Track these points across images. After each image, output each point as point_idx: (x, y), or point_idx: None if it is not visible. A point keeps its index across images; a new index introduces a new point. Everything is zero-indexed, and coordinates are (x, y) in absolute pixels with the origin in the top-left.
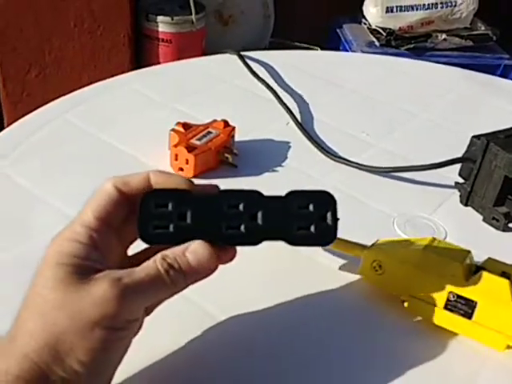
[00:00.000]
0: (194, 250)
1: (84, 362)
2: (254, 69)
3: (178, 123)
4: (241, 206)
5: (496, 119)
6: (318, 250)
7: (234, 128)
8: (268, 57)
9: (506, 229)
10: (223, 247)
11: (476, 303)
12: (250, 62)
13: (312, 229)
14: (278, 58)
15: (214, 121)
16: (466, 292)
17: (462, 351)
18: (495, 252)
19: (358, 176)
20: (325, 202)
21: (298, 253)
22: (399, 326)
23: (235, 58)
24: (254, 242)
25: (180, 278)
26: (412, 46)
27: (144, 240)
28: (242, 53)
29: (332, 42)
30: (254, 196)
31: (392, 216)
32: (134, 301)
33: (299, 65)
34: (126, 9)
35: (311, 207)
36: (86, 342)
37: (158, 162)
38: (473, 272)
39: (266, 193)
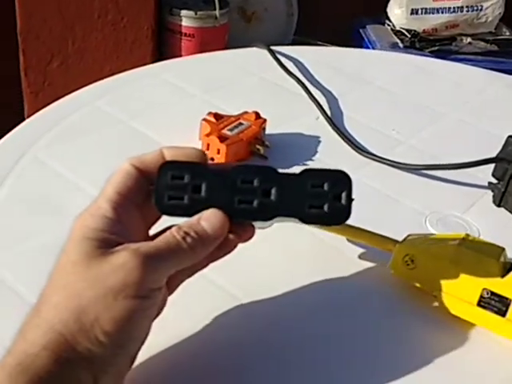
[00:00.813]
0: (208, 217)
1: (108, 332)
2: (284, 63)
3: (210, 113)
4: (255, 182)
5: None
6: (345, 241)
7: (265, 120)
8: (296, 52)
9: None
10: (241, 225)
11: (510, 301)
12: (278, 57)
13: (325, 208)
14: (306, 54)
15: (245, 112)
16: (501, 289)
17: (491, 348)
18: None
19: (388, 173)
20: (340, 181)
21: (325, 244)
22: (428, 318)
23: (262, 52)
24: (266, 217)
25: (198, 244)
26: (436, 48)
27: (160, 210)
28: (273, 47)
29: (355, 43)
30: (269, 172)
31: (424, 214)
32: (156, 268)
33: (327, 61)
34: (151, 2)
35: (326, 186)
36: (110, 311)
37: None
38: (507, 269)
39: None
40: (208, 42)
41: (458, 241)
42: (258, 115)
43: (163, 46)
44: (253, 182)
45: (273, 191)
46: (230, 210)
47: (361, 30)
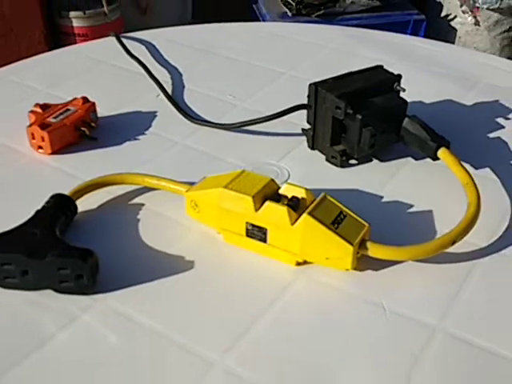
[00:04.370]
0: None
1: None
2: (135, 48)
3: (36, 104)
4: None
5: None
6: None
7: (93, 103)
8: (150, 35)
9: (344, 165)
10: None
11: (266, 230)
12: (130, 42)
13: (72, 284)
14: (159, 36)
15: (74, 99)
16: (258, 221)
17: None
18: (336, 186)
19: (215, 135)
20: (80, 266)
21: None
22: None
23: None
24: (32, 289)
25: None
26: (321, 12)
27: None
28: (126, 34)
29: (252, 18)
30: (21, 258)
31: (242, 166)
32: None
33: (178, 39)
34: (37, 8)
35: (69, 270)
36: None
37: (20, 144)
38: (276, 199)
39: (124, 160)
40: (103, 37)
41: (227, 182)
42: (85, 100)
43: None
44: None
45: (30, 272)
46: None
47: (254, 5)
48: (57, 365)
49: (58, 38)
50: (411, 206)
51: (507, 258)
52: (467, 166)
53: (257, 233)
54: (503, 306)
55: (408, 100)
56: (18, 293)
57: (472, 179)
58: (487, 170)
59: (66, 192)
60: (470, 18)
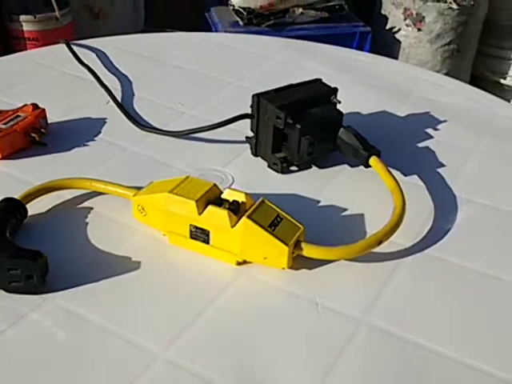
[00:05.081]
0: None
1: None
2: (85, 55)
3: None
4: None
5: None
6: None
7: (43, 110)
8: (100, 43)
9: (284, 171)
10: None
11: (209, 231)
12: (81, 50)
13: (21, 283)
14: (109, 44)
15: (25, 105)
16: (201, 223)
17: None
18: (277, 191)
19: (163, 142)
20: (30, 267)
21: None
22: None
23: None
24: None
25: None
26: (271, 22)
27: None
28: (76, 41)
29: (204, 26)
30: None
31: (188, 172)
32: None
33: (128, 48)
34: None
35: (19, 270)
36: None
37: None
38: (218, 203)
39: (73, 165)
40: (54, 43)
41: (173, 187)
42: (35, 106)
43: (12, 53)
44: None
45: None
46: None
47: (206, 14)
48: (6, 360)
49: (7, 41)
50: (345, 209)
51: (429, 257)
52: (397, 173)
53: (200, 234)
54: (424, 301)
55: (344, 111)
56: None
57: (398, 185)
58: (415, 176)
59: (17, 196)
60: (413, 31)
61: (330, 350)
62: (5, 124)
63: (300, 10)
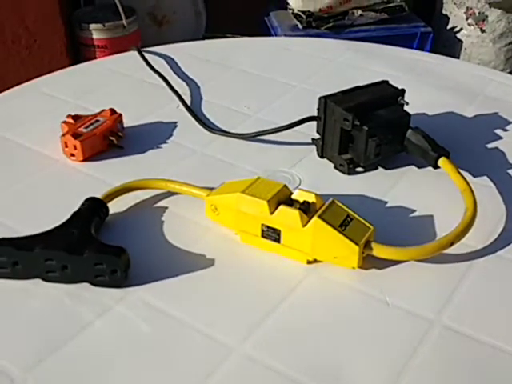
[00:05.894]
0: None
1: None
2: (155, 62)
3: (68, 115)
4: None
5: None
6: None
7: (120, 115)
8: (169, 50)
9: (351, 172)
10: None
11: (280, 231)
12: (151, 56)
13: (106, 277)
14: (178, 50)
15: (103, 110)
16: (272, 223)
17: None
18: (344, 192)
19: (231, 144)
20: (115, 262)
21: None
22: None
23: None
24: (71, 282)
25: None
26: (331, 24)
27: None
28: (146, 48)
29: (263, 31)
30: (62, 255)
31: (257, 173)
32: None
33: (196, 54)
34: (59, 21)
35: (104, 265)
36: None
37: (54, 151)
38: (288, 203)
39: (148, 167)
40: (122, 49)
41: (244, 187)
42: (113, 111)
43: (81, 60)
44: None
45: (69, 266)
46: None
47: (265, 18)
48: (96, 348)
49: (77, 48)
50: (413, 210)
51: (501, 259)
52: (466, 173)
53: (271, 234)
54: (497, 302)
55: (411, 112)
56: (59, 285)
57: (469, 186)
58: (485, 177)
59: (97, 195)
60: (475, 30)
61: (403, 349)
62: (86, 128)
63: (359, 11)
